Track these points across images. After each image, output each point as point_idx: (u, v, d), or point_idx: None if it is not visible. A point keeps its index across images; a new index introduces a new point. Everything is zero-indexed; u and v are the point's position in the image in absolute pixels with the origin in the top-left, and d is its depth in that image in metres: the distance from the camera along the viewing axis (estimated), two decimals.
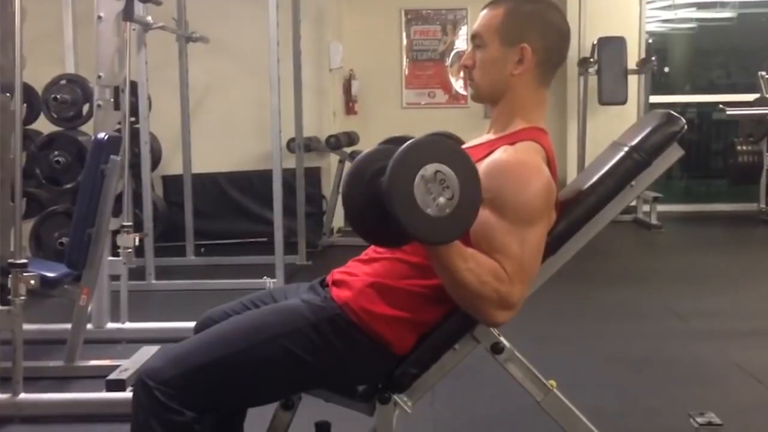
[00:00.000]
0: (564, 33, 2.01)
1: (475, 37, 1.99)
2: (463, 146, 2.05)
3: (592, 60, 7.95)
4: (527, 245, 1.81)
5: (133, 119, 5.11)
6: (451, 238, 1.71)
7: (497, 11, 1.96)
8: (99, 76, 3.90)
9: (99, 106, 3.93)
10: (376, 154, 1.80)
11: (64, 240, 4.45)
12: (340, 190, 1.83)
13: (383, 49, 8.41)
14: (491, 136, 2.01)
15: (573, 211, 1.96)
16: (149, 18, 4.97)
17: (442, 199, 1.66)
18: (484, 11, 2.00)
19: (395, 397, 1.94)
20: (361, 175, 1.76)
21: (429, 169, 1.66)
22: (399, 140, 2.15)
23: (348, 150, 6.95)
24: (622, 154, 1.99)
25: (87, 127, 4.76)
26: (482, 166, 1.85)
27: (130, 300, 4.31)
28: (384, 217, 1.68)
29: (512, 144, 1.90)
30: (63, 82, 4.89)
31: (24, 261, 3.10)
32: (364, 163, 1.77)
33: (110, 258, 4.09)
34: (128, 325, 4.26)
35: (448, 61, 8.46)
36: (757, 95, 7.86)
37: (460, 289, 1.79)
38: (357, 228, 1.81)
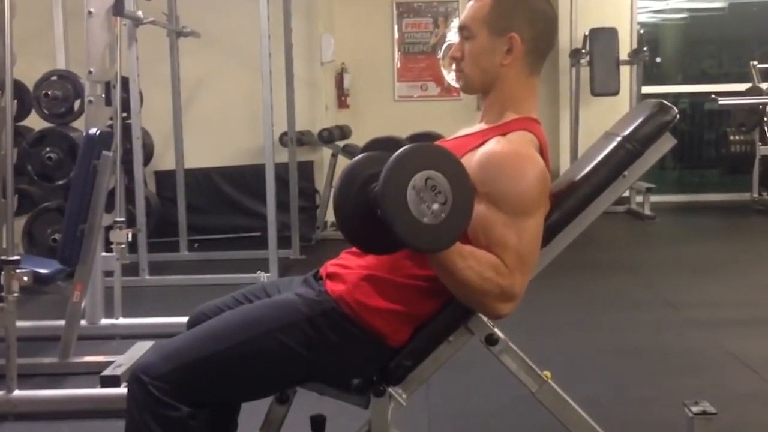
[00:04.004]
0: (551, 20, 2.00)
1: (463, 29, 1.98)
2: (456, 135, 2.05)
3: (583, 51, 7.96)
4: (525, 236, 1.81)
5: (124, 115, 5.10)
6: (450, 242, 1.72)
7: (484, 1, 1.95)
8: (90, 72, 3.90)
9: (90, 101, 3.92)
10: (365, 161, 1.78)
11: (57, 236, 4.45)
12: (331, 198, 1.81)
13: (375, 42, 8.40)
14: (483, 125, 2.00)
15: (566, 201, 1.96)
16: (140, 13, 4.96)
17: (435, 206, 1.67)
18: (471, 2, 1.99)
19: (390, 389, 1.93)
20: (351, 184, 1.75)
21: (419, 178, 1.66)
22: (383, 142, 2.16)
23: (341, 144, 6.94)
24: (614, 144, 1.99)
25: (78, 123, 4.75)
26: (475, 157, 1.86)
27: (124, 296, 4.31)
28: (377, 225, 1.68)
29: (504, 134, 1.89)
30: (54, 78, 4.88)
31: (17, 258, 3.10)
32: (354, 172, 1.76)
33: (103, 254, 4.08)
34: (122, 320, 4.25)
35: (440, 54, 8.45)
36: (749, 85, 7.89)
37: (462, 288, 1.81)
38: (349, 236, 1.80)
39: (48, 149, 4.77)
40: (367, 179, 1.71)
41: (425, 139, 2.15)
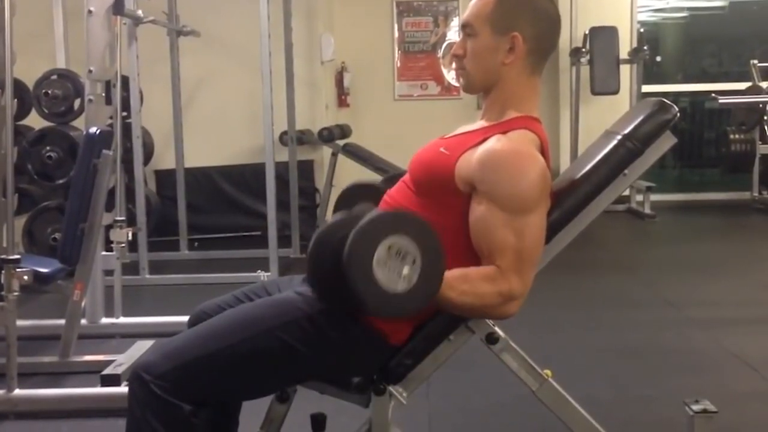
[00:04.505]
0: (554, 20, 2.00)
1: (465, 26, 1.98)
2: (456, 132, 2.05)
3: (584, 50, 7.95)
4: (526, 234, 1.81)
5: (124, 114, 5.10)
6: (431, 295, 1.73)
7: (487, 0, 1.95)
8: (90, 71, 3.89)
9: (90, 100, 3.92)
10: (332, 229, 1.79)
11: (57, 235, 4.44)
12: (306, 259, 1.82)
13: (375, 41, 8.39)
14: (484, 123, 2.00)
15: (566, 200, 1.96)
16: (140, 12, 4.96)
17: (406, 269, 1.67)
18: (474, 0, 1.99)
19: (390, 388, 1.93)
20: (322, 254, 1.76)
21: (381, 251, 1.66)
22: (357, 189, 2.25)
23: (341, 143, 6.93)
24: (615, 142, 1.99)
25: (78, 122, 4.74)
26: (475, 155, 1.86)
27: (124, 295, 4.30)
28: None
29: (505, 133, 1.89)
30: (54, 77, 4.87)
31: (17, 257, 3.09)
32: (324, 241, 1.78)
33: (103, 253, 4.07)
34: (122, 320, 4.25)
35: (440, 53, 8.45)
36: (749, 83, 7.88)
37: (466, 311, 1.86)
38: (329, 304, 1.84)
39: (48, 148, 4.77)
40: (340, 241, 1.70)
41: (397, 178, 2.14)
